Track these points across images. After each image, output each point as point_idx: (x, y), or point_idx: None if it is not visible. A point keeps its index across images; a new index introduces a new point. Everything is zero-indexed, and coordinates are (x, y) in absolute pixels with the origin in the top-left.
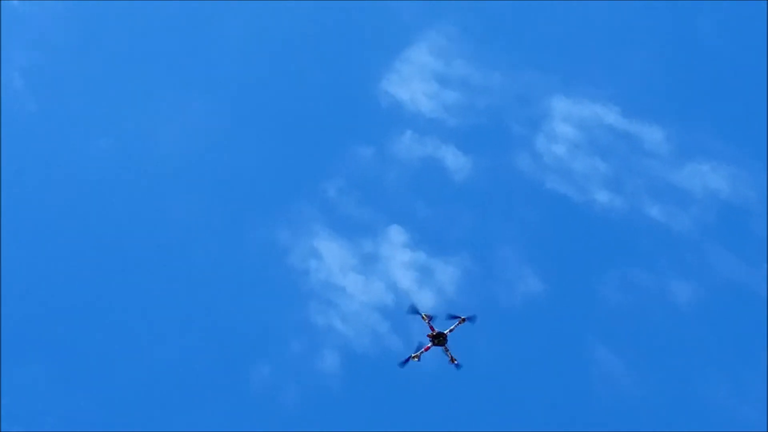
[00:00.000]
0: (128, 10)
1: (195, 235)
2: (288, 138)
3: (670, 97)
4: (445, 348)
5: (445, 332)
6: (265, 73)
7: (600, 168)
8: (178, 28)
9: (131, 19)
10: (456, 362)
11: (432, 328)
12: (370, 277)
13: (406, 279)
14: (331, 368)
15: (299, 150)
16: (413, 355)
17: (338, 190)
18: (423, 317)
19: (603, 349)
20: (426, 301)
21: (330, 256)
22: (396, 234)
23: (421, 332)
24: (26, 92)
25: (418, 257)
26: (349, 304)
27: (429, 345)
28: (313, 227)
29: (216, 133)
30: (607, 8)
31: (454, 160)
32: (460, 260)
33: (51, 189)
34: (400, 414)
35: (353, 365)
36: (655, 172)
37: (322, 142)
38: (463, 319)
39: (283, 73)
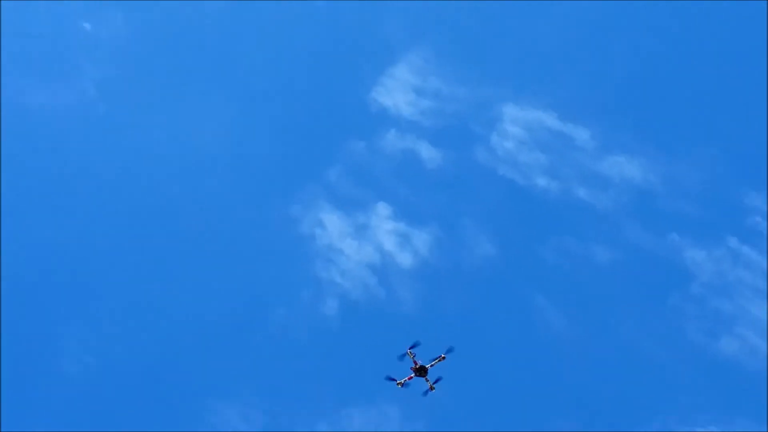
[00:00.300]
0: (172, 35)
1: (227, 208)
2: (300, 135)
3: (594, 104)
4: (426, 379)
5: (427, 366)
6: (282, 86)
7: (540, 159)
8: (211, 51)
9: (174, 41)
10: (434, 389)
11: (415, 362)
12: (362, 242)
13: (390, 243)
14: (332, 311)
15: (308, 144)
16: (398, 381)
17: (338, 175)
18: (408, 353)
19: (542, 299)
20: (405, 260)
21: (331, 226)
22: (382, 209)
23: (402, 288)
24: (97, 98)
25: (399, 227)
26: (346, 262)
27: (412, 375)
28: (318, 203)
29: (244, 132)
30: (545, 36)
31: (427, 152)
32: (432, 229)
33: (119, 168)
34: (385, 346)
35: (349, 310)
36: (582, 162)
37: (326, 138)
38: (443, 357)
39: (296, 86)
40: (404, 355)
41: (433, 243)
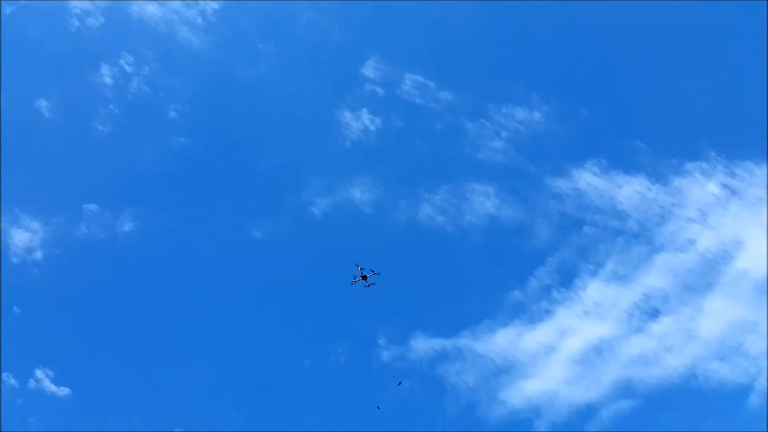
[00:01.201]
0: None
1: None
2: (335, 85)
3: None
4: (367, 282)
5: (368, 275)
6: (325, 70)
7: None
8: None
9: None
10: (370, 286)
11: (361, 271)
12: (358, 116)
13: (368, 119)
14: (356, 134)
15: (340, 88)
16: (353, 280)
17: (351, 99)
18: (360, 269)
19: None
20: (372, 126)
21: (348, 116)
22: (366, 112)
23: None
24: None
25: (370, 116)
26: (355, 127)
27: (359, 279)
28: (343, 108)
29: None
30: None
31: (379, 89)
32: (376, 114)
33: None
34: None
35: (364, 131)
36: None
37: (345, 86)
38: (375, 273)
39: (331, 69)
40: (357, 265)
41: (380, 117)
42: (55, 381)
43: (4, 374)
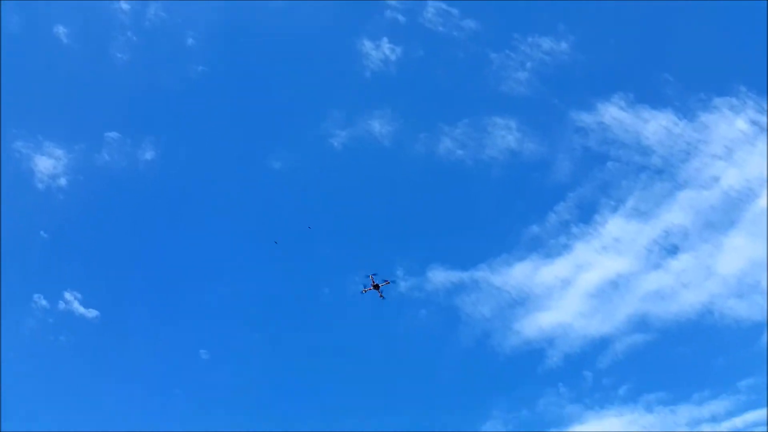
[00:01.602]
0: None
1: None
2: (353, 22)
3: None
4: (379, 291)
5: (380, 284)
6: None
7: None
8: None
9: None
10: (383, 297)
11: (373, 281)
12: (378, 50)
13: (384, 52)
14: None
15: (361, 21)
16: (364, 289)
17: (371, 31)
18: (371, 277)
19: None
20: (392, 54)
21: (368, 46)
22: (385, 42)
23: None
24: None
25: (389, 52)
26: (375, 59)
27: (371, 287)
28: (363, 37)
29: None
30: None
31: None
32: (396, 47)
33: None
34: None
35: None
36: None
37: (365, 15)
38: (388, 282)
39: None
40: (368, 276)
41: (401, 47)
42: (83, 303)
43: (35, 295)
